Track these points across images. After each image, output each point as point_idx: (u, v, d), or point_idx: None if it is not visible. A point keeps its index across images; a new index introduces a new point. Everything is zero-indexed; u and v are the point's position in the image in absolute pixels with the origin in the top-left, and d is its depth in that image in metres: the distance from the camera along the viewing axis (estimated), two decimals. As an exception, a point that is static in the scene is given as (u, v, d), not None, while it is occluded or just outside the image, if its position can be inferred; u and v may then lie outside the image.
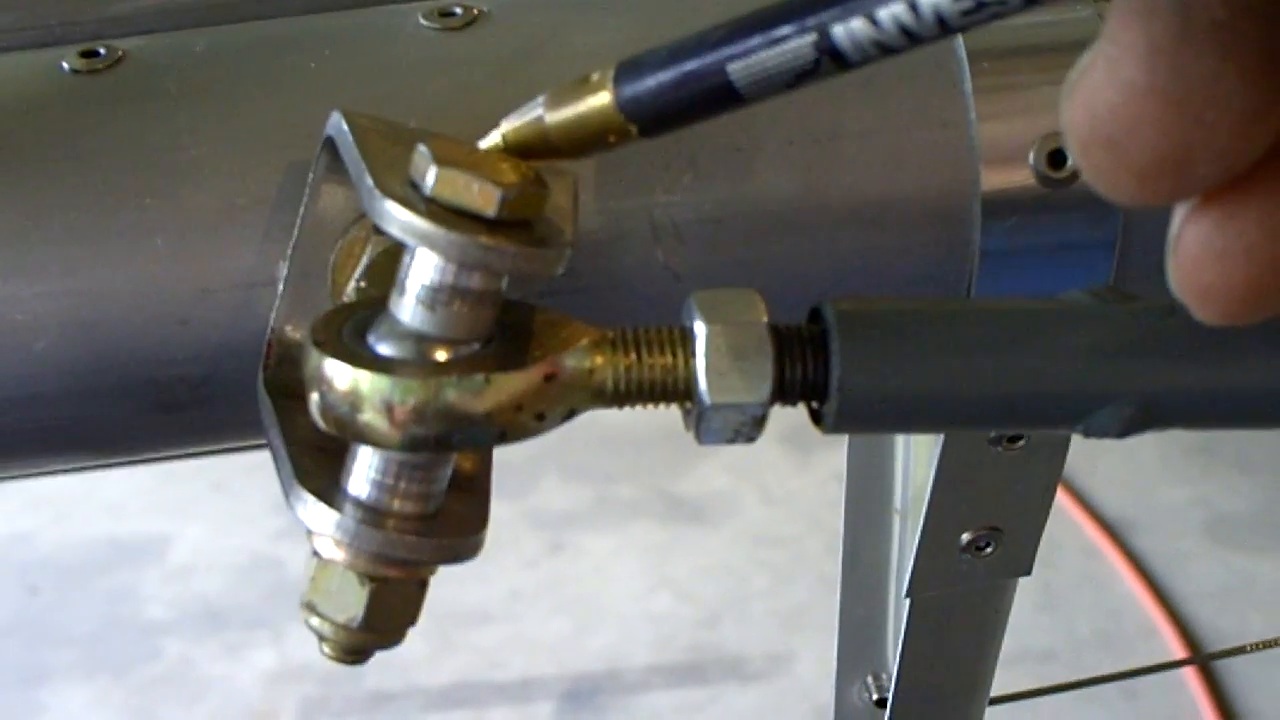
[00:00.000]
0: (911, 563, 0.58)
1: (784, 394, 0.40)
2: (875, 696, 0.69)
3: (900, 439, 0.62)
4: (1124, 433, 0.41)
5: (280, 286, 0.47)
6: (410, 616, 0.44)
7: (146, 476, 2.50)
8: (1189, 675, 1.97)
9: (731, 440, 0.41)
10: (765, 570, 2.26)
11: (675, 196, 0.48)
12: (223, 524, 2.41)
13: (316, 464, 0.43)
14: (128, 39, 0.51)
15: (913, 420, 0.42)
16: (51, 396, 0.48)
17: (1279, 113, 0.30)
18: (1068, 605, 2.13)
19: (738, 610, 2.19)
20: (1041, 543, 0.59)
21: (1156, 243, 0.34)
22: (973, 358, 0.40)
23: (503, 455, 0.46)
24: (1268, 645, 0.91)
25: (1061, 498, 2.29)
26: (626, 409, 0.42)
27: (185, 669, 2.14)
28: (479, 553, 0.43)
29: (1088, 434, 0.41)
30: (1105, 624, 2.10)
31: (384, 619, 0.43)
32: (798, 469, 2.44)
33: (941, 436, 0.53)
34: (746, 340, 0.40)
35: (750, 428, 0.41)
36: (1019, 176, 0.49)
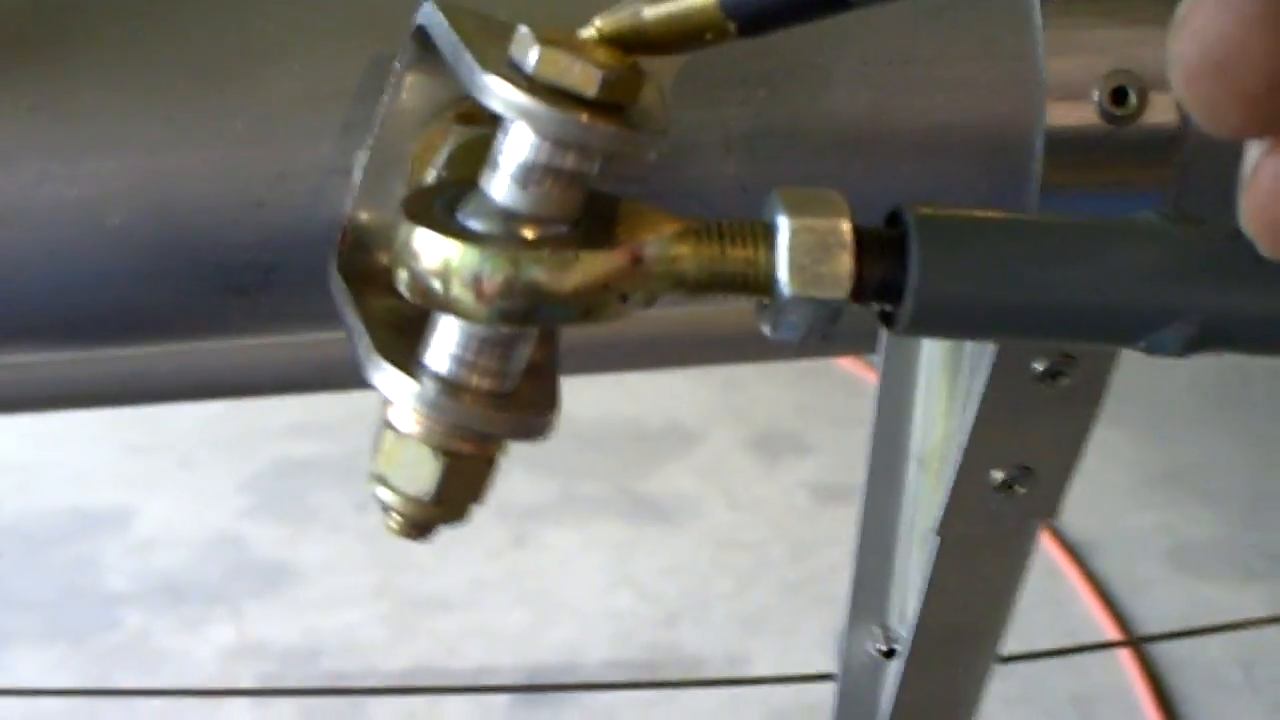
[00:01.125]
0: (942, 501, 0.59)
1: (861, 292, 0.41)
2: (884, 647, 0.70)
3: (922, 384, 0.63)
4: (1185, 351, 0.42)
5: (357, 175, 0.47)
6: (476, 493, 0.44)
7: (113, 449, 2.49)
8: (1142, 694, 1.99)
9: (805, 336, 0.42)
10: (727, 573, 2.26)
11: (750, 109, 0.49)
12: (188, 500, 2.41)
13: (392, 340, 0.44)
14: None
15: (982, 326, 0.43)
16: (121, 275, 0.48)
17: None
18: (1027, 624, 2.14)
19: (698, 611, 2.19)
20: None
21: (1214, 183, 0.35)
22: (1044, 268, 0.42)
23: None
24: (1202, 632, 0.93)
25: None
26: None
27: (143, 641, 2.14)
28: (549, 432, 0.44)
29: (1150, 351, 0.42)
30: (1064, 644, 2.12)
31: (454, 493, 0.44)
32: (765, 475, 2.45)
33: (985, 372, 0.54)
34: (828, 237, 0.41)
35: (824, 323, 0.42)
36: (1083, 112, 0.50)
